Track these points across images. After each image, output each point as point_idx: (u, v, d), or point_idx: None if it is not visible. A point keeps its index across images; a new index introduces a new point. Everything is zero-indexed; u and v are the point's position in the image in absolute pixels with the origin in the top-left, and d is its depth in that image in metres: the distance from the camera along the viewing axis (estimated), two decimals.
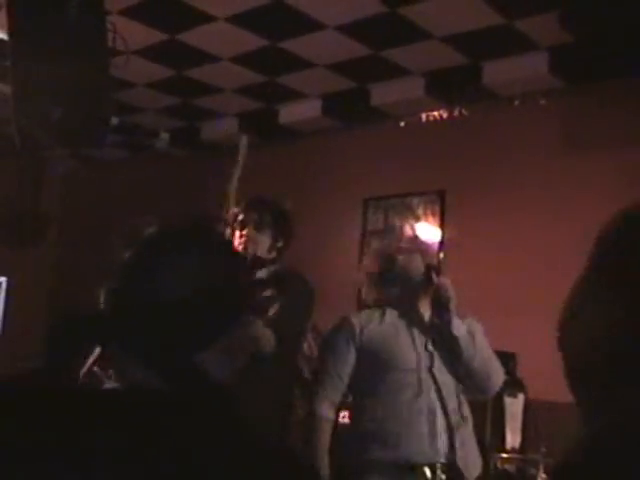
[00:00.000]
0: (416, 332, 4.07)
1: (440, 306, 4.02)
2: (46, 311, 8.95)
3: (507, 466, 5.41)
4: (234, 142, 8.33)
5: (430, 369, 4.00)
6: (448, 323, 3.97)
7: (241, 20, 6.05)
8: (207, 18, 6.04)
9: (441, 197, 7.07)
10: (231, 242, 1.54)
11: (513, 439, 5.73)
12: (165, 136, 8.67)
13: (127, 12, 5.91)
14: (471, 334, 4.03)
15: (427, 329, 4.08)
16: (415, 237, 7.21)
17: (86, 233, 9.00)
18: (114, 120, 6.60)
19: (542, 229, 6.38)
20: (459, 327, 3.99)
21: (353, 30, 6.10)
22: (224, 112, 8.04)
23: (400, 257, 4.17)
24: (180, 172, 8.78)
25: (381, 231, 7.42)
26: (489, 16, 5.72)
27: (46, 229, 8.39)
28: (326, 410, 4.02)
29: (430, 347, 4.04)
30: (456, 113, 7.08)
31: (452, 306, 3.96)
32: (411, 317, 4.11)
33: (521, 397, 5.74)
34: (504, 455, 5.33)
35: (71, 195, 9.47)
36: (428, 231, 7.13)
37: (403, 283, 4.13)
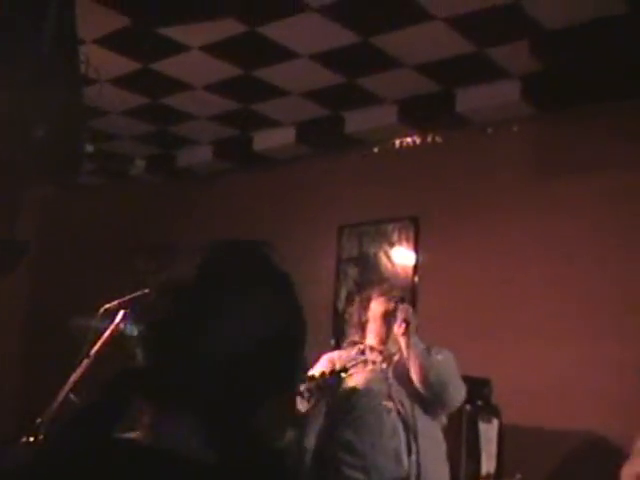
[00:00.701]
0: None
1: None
2: (21, 334, 8.94)
3: None
4: (209, 169, 8.42)
5: (389, 393, 4.30)
6: (407, 338, 4.29)
7: (215, 49, 6.07)
8: (181, 47, 6.06)
9: (415, 223, 7.09)
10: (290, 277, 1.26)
11: (489, 464, 5.73)
12: (141, 163, 8.69)
13: (101, 41, 5.92)
14: (428, 350, 4.31)
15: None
16: (391, 264, 7.24)
17: (62, 258, 8.99)
18: (89, 148, 6.62)
19: (516, 254, 6.43)
20: (417, 343, 4.31)
21: (326, 59, 6.13)
22: (199, 139, 8.07)
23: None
24: (156, 198, 8.79)
25: (356, 258, 7.44)
26: (461, 44, 5.76)
27: (21, 255, 8.36)
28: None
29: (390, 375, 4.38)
30: (429, 139, 7.12)
31: (412, 327, 4.32)
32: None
33: (496, 422, 5.75)
34: None
35: (48, 220, 9.46)
36: (402, 256, 7.16)
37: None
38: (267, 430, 1.44)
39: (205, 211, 8.47)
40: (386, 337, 4.44)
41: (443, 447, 4.42)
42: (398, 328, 4.32)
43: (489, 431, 5.75)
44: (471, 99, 6.53)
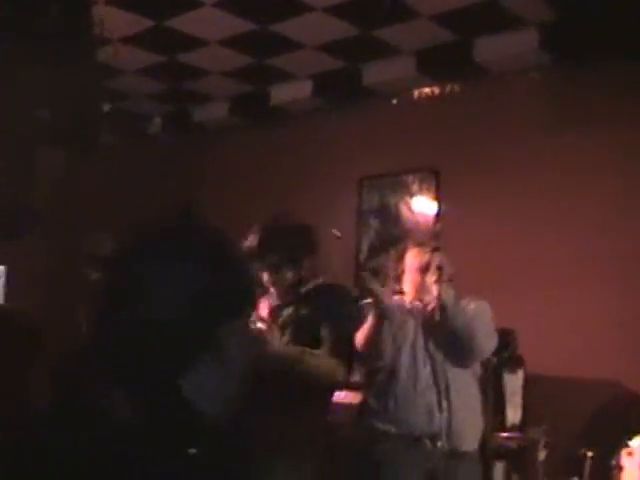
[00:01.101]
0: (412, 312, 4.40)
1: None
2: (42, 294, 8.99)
3: (508, 443, 5.43)
4: (226, 125, 8.39)
5: (426, 346, 4.30)
6: (439, 286, 4.26)
7: (228, 4, 6.02)
8: (194, 3, 6.01)
9: (435, 174, 7.06)
10: (225, 240, 1.33)
11: (514, 415, 5.75)
12: (157, 121, 8.67)
13: (114, 1, 5.87)
14: (457, 299, 4.31)
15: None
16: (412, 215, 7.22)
17: (80, 220, 9.00)
18: (106, 107, 6.61)
19: (533, 206, 6.39)
20: (447, 289, 4.29)
21: (342, 11, 6.07)
22: (215, 95, 8.02)
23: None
24: (173, 156, 8.77)
25: (376, 210, 7.42)
26: None
27: (35, 221, 8.38)
28: None
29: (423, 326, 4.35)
30: (447, 90, 7.06)
31: (444, 274, 4.27)
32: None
33: (520, 373, 5.76)
34: (504, 434, 5.34)
35: (64, 182, 9.45)
36: (424, 206, 7.13)
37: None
38: (198, 395, 1.51)
39: (222, 167, 8.43)
40: (422, 288, 4.39)
41: (475, 400, 4.42)
42: (431, 276, 4.29)
43: (514, 382, 5.76)
44: (489, 48, 6.45)
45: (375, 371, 4.34)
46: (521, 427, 5.70)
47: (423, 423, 4.17)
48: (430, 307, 4.31)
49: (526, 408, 5.70)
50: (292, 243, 4.16)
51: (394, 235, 6.99)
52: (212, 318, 1.50)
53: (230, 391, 1.58)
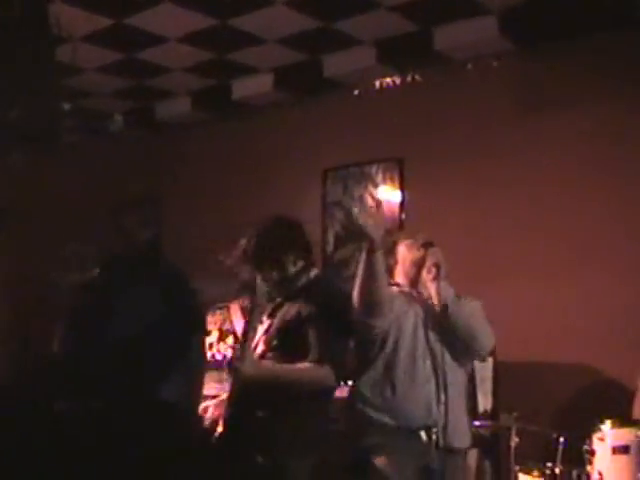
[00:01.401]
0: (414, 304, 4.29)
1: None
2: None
3: (481, 430, 5.45)
4: (189, 120, 8.35)
5: (426, 338, 4.21)
6: (438, 284, 4.18)
7: (188, 1, 6.00)
8: (152, 1, 5.98)
9: (399, 163, 7.08)
10: (181, 273, 1.39)
11: (485, 402, 5.79)
12: (118, 118, 8.61)
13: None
14: (457, 297, 4.22)
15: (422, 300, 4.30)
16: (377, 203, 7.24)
17: (44, 221, 8.93)
18: (66, 106, 6.54)
19: (499, 191, 6.42)
20: (447, 288, 4.20)
21: (301, 4, 6.06)
22: (177, 91, 7.98)
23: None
24: (136, 153, 8.71)
25: (341, 201, 7.43)
26: None
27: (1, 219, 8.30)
28: None
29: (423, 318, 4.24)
30: (409, 79, 7.07)
31: (442, 271, 4.17)
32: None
33: (490, 361, 5.79)
34: (476, 422, 5.36)
35: (26, 183, 9.37)
36: (388, 196, 7.15)
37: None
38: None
39: (186, 162, 8.41)
40: (416, 280, 4.29)
41: (465, 396, 4.41)
42: (427, 273, 4.20)
43: (484, 370, 5.79)
44: (449, 37, 6.47)
45: (370, 360, 4.21)
46: (493, 414, 5.74)
47: (421, 415, 4.10)
48: (430, 302, 4.25)
49: (497, 395, 5.74)
50: (282, 243, 4.19)
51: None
52: (171, 335, 1.59)
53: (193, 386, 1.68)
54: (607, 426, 4.62)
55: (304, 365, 3.96)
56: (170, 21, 6.32)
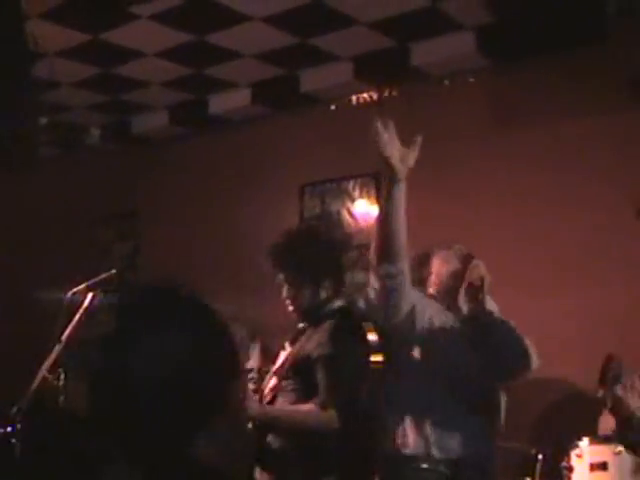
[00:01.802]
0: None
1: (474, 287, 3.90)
2: None
3: None
4: (166, 134, 8.33)
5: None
6: (482, 300, 3.88)
7: (164, 17, 5.99)
8: (129, 16, 5.96)
9: (376, 178, 7.08)
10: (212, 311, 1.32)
11: None
12: (95, 132, 8.59)
13: (47, 16, 5.81)
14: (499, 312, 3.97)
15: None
16: (353, 220, 7.25)
17: (21, 235, 8.89)
18: (43, 120, 6.53)
19: (476, 205, 6.44)
20: (493, 306, 3.96)
21: (279, 20, 6.07)
22: (154, 105, 7.97)
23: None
24: (113, 167, 8.69)
25: (318, 216, 7.44)
26: None
27: None
28: None
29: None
30: (386, 94, 7.08)
31: (486, 285, 3.87)
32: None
33: None
34: None
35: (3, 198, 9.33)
36: (365, 211, 7.16)
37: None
38: (214, 458, 1.54)
39: (163, 177, 8.41)
40: (454, 293, 3.94)
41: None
42: (468, 287, 3.88)
43: None
44: (426, 52, 6.49)
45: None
46: None
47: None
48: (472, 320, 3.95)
49: None
50: (315, 258, 4.02)
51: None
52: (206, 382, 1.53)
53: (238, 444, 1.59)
54: (585, 443, 4.64)
55: (308, 407, 3.83)
56: (147, 36, 6.31)
